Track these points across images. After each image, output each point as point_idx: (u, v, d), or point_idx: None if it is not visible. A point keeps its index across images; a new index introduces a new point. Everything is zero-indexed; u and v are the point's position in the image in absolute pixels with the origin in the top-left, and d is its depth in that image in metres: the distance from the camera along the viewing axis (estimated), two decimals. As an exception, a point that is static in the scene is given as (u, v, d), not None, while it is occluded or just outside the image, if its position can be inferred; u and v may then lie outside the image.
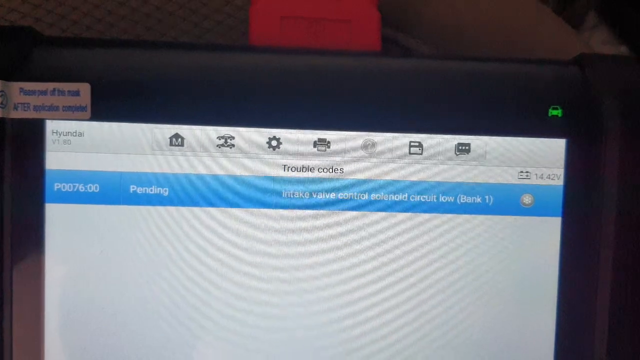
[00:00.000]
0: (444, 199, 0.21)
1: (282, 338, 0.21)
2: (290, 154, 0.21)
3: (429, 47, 0.26)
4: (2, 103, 0.20)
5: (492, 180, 0.21)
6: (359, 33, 0.22)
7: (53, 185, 0.20)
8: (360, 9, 0.22)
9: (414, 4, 0.26)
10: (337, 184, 0.21)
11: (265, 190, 0.21)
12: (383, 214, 0.21)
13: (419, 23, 0.26)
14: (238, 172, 0.21)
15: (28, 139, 0.20)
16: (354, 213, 0.21)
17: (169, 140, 0.21)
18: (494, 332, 0.22)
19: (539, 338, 0.22)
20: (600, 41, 0.58)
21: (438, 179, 0.21)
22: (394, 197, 0.21)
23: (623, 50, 0.58)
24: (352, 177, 0.21)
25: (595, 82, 0.21)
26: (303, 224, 0.21)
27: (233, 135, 0.21)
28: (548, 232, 0.22)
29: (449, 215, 0.21)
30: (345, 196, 0.21)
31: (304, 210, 0.21)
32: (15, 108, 0.20)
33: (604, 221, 0.21)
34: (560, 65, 0.22)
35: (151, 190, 0.21)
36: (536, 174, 0.21)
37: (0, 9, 0.25)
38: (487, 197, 0.21)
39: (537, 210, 0.22)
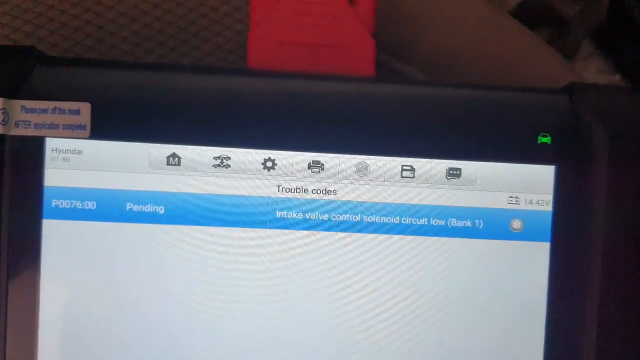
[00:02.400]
0: (435, 222, 0.22)
1: (276, 356, 0.21)
2: (284, 175, 0.21)
3: (424, 74, 0.27)
4: (3, 120, 0.20)
5: (482, 205, 0.22)
6: (354, 59, 0.23)
7: (51, 202, 0.21)
8: (356, 35, 0.23)
9: (409, 32, 0.27)
10: (330, 205, 0.21)
11: (259, 210, 0.21)
12: (374, 235, 0.22)
13: (413, 51, 0.27)
14: (233, 191, 0.21)
15: (28, 156, 0.21)
16: (347, 234, 0.21)
17: (166, 159, 0.21)
18: (482, 355, 0.22)
19: (527, 362, 0.22)
20: (595, 70, 0.59)
21: (429, 202, 0.22)
22: (386, 219, 0.22)
23: (617, 79, 0.59)
24: (345, 199, 0.22)
25: (584, 110, 0.22)
26: (296, 244, 0.21)
27: (229, 155, 0.21)
28: (537, 257, 0.22)
29: (440, 238, 0.22)
30: (338, 217, 0.22)
31: (298, 231, 0.21)
32: (17, 125, 0.20)
33: (593, 247, 0.22)
34: (550, 93, 0.22)
35: (147, 209, 0.21)
36: (525, 200, 0.22)
37: (4, 29, 0.25)
38: (477, 221, 0.22)
39: (526, 235, 0.22)
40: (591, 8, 0.49)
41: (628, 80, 0.58)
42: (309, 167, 0.21)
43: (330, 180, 0.21)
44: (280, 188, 0.21)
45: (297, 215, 0.21)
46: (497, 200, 0.22)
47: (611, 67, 0.59)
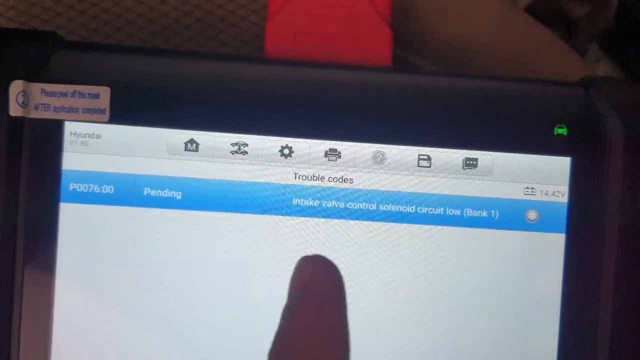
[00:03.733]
0: (451, 211, 0.22)
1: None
2: (301, 163, 0.21)
3: (438, 68, 0.27)
4: (23, 102, 0.20)
5: (498, 195, 0.22)
6: (371, 49, 0.23)
7: (69, 185, 0.21)
8: (373, 25, 0.23)
9: (424, 25, 0.27)
10: (346, 193, 0.22)
11: (275, 197, 0.21)
12: (390, 224, 0.22)
13: (428, 44, 0.27)
14: (250, 178, 0.21)
15: (47, 139, 0.21)
16: (362, 222, 0.22)
17: (184, 145, 0.21)
18: (496, 344, 0.22)
19: (542, 352, 0.22)
20: (602, 74, 0.59)
21: (445, 192, 0.22)
22: (402, 209, 0.22)
23: (624, 83, 0.59)
24: (361, 187, 0.22)
25: (599, 103, 0.22)
26: (311, 231, 0.21)
27: (246, 142, 0.21)
28: (552, 247, 0.22)
29: (455, 228, 0.22)
30: (354, 205, 0.22)
31: (313, 218, 0.21)
32: (36, 108, 0.21)
33: (607, 238, 0.22)
34: (566, 86, 0.23)
35: (164, 194, 0.21)
36: (541, 191, 0.22)
37: (23, 16, 0.25)
38: (492, 211, 0.22)
39: (542, 226, 0.22)
40: (600, 11, 0.49)
41: (635, 84, 0.58)
42: (326, 155, 0.22)
43: (347, 169, 0.22)
44: (297, 175, 0.21)
45: (313, 202, 0.21)
46: (513, 191, 0.22)
47: (618, 71, 0.59)
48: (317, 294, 0.17)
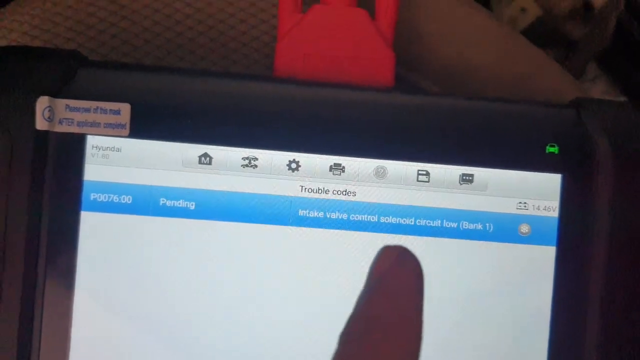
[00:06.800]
0: (448, 224, 0.23)
1: (295, 348, 0.23)
2: (307, 176, 0.23)
3: (439, 88, 0.29)
4: (49, 117, 0.22)
5: (492, 209, 0.23)
6: (374, 70, 0.24)
7: (89, 195, 0.22)
8: (377, 48, 0.25)
9: (425, 48, 0.28)
10: (349, 205, 0.23)
11: (282, 209, 0.23)
12: (391, 235, 0.23)
13: (429, 65, 0.29)
14: (259, 190, 0.23)
15: (70, 152, 0.22)
16: (364, 233, 0.23)
17: (198, 158, 0.23)
18: (488, 355, 0.23)
19: (532, 360, 0.23)
20: (600, 92, 0.61)
21: (443, 205, 0.23)
22: (402, 221, 0.23)
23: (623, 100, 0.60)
24: (363, 200, 0.23)
25: (589, 123, 0.23)
26: (316, 241, 0.23)
27: (257, 156, 0.23)
28: (543, 260, 0.23)
29: (452, 240, 0.23)
30: (357, 217, 0.23)
31: (318, 229, 0.23)
32: (60, 122, 0.22)
33: (596, 252, 0.23)
34: (558, 107, 0.24)
35: (179, 204, 0.22)
36: (533, 206, 0.23)
37: (46, 34, 0.27)
38: (487, 224, 0.23)
39: (534, 239, 0.23)
40: (598, 31, 0.50)
41: (634, 102, 0.60)
42: (331, 169, 0.23)
43: (350, 182, 0.23)
44: (303, 188, 0.23)
45: (318, 214, 0.23)
46: (506, 206, 0.23)
47: (617, 89, 0.60)
48: (395, 283, 0.17)
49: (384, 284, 0.17)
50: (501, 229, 0.23)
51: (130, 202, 0.22)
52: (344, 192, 0.23)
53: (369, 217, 0.23)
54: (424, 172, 0.23)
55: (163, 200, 0.22)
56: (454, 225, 0.23)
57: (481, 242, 0.23)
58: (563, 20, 0.46)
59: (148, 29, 0.27)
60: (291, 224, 0.23)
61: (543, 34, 0.47)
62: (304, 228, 0.23)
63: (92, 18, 0.27)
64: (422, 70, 0.28)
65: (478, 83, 0.28)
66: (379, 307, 0.16)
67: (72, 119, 0.22)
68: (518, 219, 0.23)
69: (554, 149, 0.23)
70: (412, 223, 0.23)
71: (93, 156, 0.22)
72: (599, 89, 0.61)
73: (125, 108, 0.22)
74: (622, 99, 0.60)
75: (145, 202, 0.22)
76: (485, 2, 0.48)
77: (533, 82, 0.29)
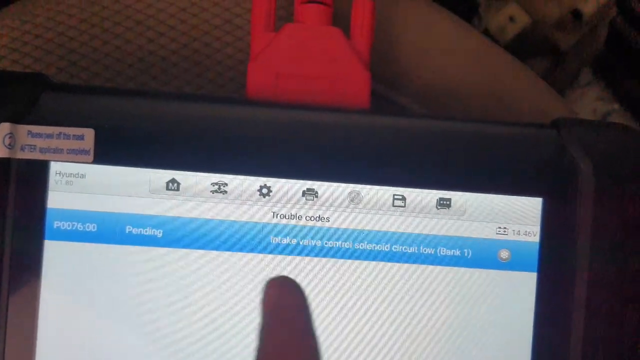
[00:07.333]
0: (425, 250, 0.22)
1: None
2: (279, 202, 0.22)
3: (420, 106, 0.28)
4: (10, 144, 0.21)
5: (471, 235, 0.22)
6: (350, 91, 0.24)
7: (53, 223, 0.21)
8: (353, 69, 0.24)
9: (405, 66, 0.28)
10: (323, 232, 0.22)
11: (254, 236, 0.22)
12: (365, 262, 0.22)
13: (409, 84, 0.28)
14: (229, 217, 0.22)
15: (32, 179, 0.21)
16: (338, 260, 0.22)
17: (165, 184, 0.22)
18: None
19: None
20: (594, 98, 0.60)
21: (419, 231, 0.22)
22: (377, 247, 0.22)
23: (616, 107, 0.60)
24: (337, 226, 0.22)
25: (570, 145, 0.23)
26: (289, 269, 0.22)
27: (226, 182, 0.22)
28: (524, 286, 0.22)
29: (429, 266, 0.22)
30: (331, 244, 0.22)
31: (291, 256, 0.22)
32: (22, 149, 0.21)
33: (578, 278, 0.22)
34: (538, 128, 0.23)
35: (146, 232, 0.22)
36: (513, 230, 0.23)
37: (14, 54, 0.26)
38: (465, 250, 0.22)
39: (514, 265, 0.23)
40: (588, 39, 0.50)
41: (627, 108, 0.59)
42: (304, 194, 0.22)
43: (324, 208, 0.22)
44: (275, 214, 0.22)
45: (290, 240, 0.22)
46: (485, 231, 0.22)
47: (610, 95, 0.60)
48: (284, 311, 0.20)
49: (274, 315, 0.20)
50: (480, 255, 0.22)
51: (95, 230, 0.22)
52: (318, 218, 0.22)
53: (343, 243, 0.22)
54: (400, 197, 0.22)
55: (129, 228, 0.22)
56: (431, 251, 0.22)
57: (459, 268, 0.22)
58: (552, 28, 0.45)
59: (119, 48, 0.27)
60: (263, 252, 0.22)
61: (532, 42, 0.46)
62: (276, 255, 0.22)
63: (62, 37, 0.26)
64: (401, 88, 0.28)
65: (460, 100, 0.28)
66: (276, 335, 0.20)
67: (35, 145, 0.21)
68: (497, 245, 0.23)
69: (534, 172, 0.23)
70: (388, 249, 0.22)
71: (57, 183, 0.22)
72: (593, 95, 0.60)
73: (89, 133, 0.21)
74: (616, 105, 0.60)
75: (111, 230, 0.22)
76: (474, 11, 0.47)
77: (517, 100, 0.28)
